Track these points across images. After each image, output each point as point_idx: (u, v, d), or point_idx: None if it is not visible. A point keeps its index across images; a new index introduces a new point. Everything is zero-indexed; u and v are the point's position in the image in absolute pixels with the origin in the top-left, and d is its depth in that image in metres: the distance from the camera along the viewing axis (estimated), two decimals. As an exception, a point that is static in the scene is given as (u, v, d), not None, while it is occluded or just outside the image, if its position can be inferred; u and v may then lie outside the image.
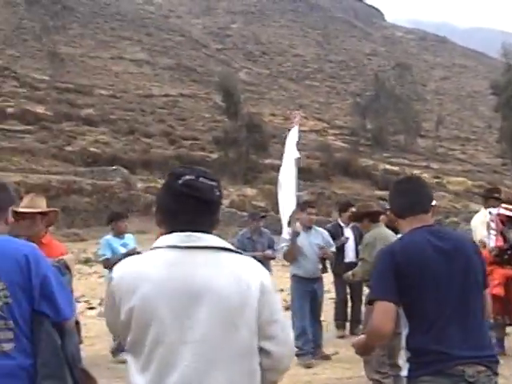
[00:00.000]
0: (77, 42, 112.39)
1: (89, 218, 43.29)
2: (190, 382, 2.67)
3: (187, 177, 2.82)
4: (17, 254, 3.44)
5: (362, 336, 4.12)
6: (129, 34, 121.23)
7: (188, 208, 2.82)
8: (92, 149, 58.46)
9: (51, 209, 6.54)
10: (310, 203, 11.23)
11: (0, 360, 3.35)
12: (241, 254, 2.90)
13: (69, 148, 58.28)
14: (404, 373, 3.94)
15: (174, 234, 2.80)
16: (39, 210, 6.14)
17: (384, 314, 3.78)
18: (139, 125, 69.10)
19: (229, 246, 2.87)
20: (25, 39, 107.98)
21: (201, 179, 2.83)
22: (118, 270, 2.85)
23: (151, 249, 2.85)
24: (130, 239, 11.14)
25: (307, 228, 10.50)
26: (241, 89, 79.31)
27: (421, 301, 3.82)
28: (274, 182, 10.62)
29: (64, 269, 4.20)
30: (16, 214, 6.02)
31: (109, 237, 11.03)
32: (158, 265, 2.76)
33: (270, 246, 11.69)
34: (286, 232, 10.20)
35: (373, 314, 3.87)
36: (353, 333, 12.16)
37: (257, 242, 11.56)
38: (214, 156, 60.80)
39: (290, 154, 10.31)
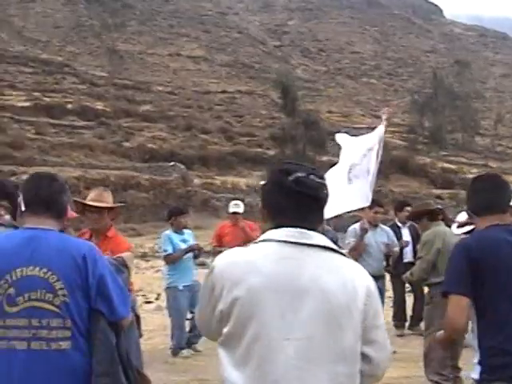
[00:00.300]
0: (135, 39, 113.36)
1: (146, 214, 43.69)
2: (291, 379, 2.63)
3: (299, 174, 2.78)
4: (75, 254, 3.48)
5: (442, 331, 4.09)
6: (186, 31, 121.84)
7: (298, 205, 2.78)
8: (150, 145, 58.92)
9: (118, 204, 6.64)
10: (378, 202, 11.12)
11: (57, 358, 3.40)
12: (345, 255, 2.89)
13: (127, 144, 58.86)
14: (475, 376, 3.87)
15: (285, 228, 2.77)
16: (107, 205, 6.28)
17: (458, 307, 3.78)
18: (197, 121, 69.34)
19: (335, 247, 2.86)
20: (84, 36, 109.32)
21: (311, 177, 2.79)
22: (223, 259, 2.80)
23: (257, 242, 2.81)
24: (189, 235, 11.20)
25: (373, 226, 10.47)
26: (298, 86, 79.15)
27: (493, 297, 3.78)
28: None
29: (122, 267, 4.21)
30: (84, 206, 6.12)
31: (169, 232, 11.08)
32: (268, 258, 2.73)
33: (334, 244, 11.61)
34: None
35: (448, 307, 3.85)
36: (412, 331, 12.07)
37: None
38: (271, 153, 60.82)
39: (374, 149, 10.06)
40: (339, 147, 10.61)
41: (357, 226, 10.31)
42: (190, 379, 9.08)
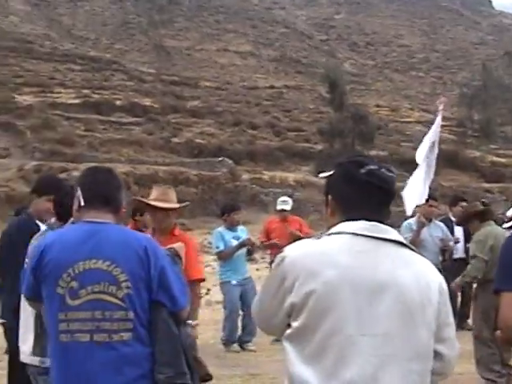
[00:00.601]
0: (182, 35, 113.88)
1: (195, 209, 43.77)
2: (366, 376, 2.56)
3: (371, 166, 2.73)
4: (137, 246, 3.51)
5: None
6: (233, 27, 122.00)
7: (370, 198, 2.73)
8: (198, 140, 59.14)
9: (184, 204, 6.58)
10: (433, 195, 11.00)
11: (120, 349, 3.44)
12: (416, 251, 2.83)
13: (175, 139, 59.18)
14: None
15: (358, 221, 2.70)
16: (174, 206, 6.21)
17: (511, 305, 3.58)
18: (244, 116, 69.39)
19: (407, 242, 2.81)
20: (132, 34, 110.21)
21: (382, 170, 2.75)
22: (295, 250, 2.71)
23: (328, 234, 2.74)
24: (242, 231, 11.14)
25: (428, 220, 10.41)
26: (346, 80, 78.80)
27: None
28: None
29: (176, 257, 4.24)
30: (148, 205, 6.07)
31: (221, 229, 11.07)
32: (344, 250, 2.66)
33: None
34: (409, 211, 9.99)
35: (500, 306, 3.66)
36: (461, 327, 11.97)
37: None
38: (319, 147, 60.66)
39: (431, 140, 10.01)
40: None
41: (411, 220, 10.26)
42: (242, 373, 9.11)
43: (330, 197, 2.84)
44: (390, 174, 2.78)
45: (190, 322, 5.99)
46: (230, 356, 10.59)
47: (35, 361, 4.35)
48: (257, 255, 22.55)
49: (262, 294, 2.82)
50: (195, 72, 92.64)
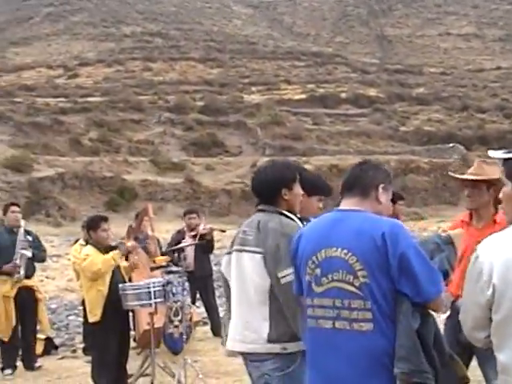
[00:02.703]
0: (402, 22, 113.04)
1: (427, 197, 43.47)
2: None
3: None
4: (374, 234, 3.38)
5: None
6: (454, 9, 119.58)
7: None
8: (426, 127, 58.69)
9: (494, 177, 5.24)
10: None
11: (359, 339, 3.37)
12: None
13: (403, 128, 59.04)
14: None
15: None
16: (483, 178, 5.02)
17: None
18: (472, 100, 68.12)
19: None
20: (352, 25, 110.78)
21: None
22: (486, 247, 2.75)
23: None
24: None
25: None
26: None
27: None
28: None
29: (445, 245, 4.05)
30: (462, 182, 5.47)
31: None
32: None
33: None
34: None
35: None
36: None
37: None
38: (553, 127, 58.37)
39: None
40: None
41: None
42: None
43: None
44: None
45: None
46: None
47: (274, 348, 4.28)
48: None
49: (464, 291, 2.88)
50: (418, 59, 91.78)
